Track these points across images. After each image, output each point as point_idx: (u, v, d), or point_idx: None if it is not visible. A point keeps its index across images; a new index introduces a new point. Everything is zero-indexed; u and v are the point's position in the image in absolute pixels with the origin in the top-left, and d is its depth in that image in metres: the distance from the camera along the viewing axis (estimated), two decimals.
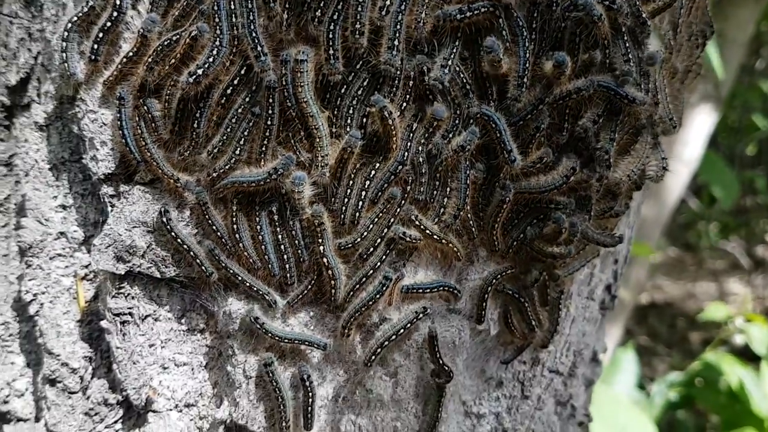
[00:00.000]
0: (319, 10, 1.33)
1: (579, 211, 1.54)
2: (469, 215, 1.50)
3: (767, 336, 4.64)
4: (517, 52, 1.38)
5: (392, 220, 1.44)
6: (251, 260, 1.44)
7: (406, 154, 1.41)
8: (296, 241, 1.44)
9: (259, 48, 1.32)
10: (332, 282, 1.45)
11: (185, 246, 1.42)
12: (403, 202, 1.44)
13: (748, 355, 5.79)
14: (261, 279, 1.46)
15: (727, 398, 4.44)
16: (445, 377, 1.54)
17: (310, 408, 1.48)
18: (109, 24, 1.37)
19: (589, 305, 1.90)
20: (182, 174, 1.42)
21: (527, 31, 1.38)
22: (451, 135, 1.42)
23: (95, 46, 1.38)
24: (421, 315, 1.49)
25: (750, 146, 8.13)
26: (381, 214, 1.44)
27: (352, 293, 1.46)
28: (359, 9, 1.32)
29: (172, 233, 1.42)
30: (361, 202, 1.42)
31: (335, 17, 1.33)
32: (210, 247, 1.43)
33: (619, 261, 1.98)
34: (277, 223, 1.43)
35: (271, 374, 1.45)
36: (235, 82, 1.36)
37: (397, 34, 1.33)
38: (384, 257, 1.46)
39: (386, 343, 1.47)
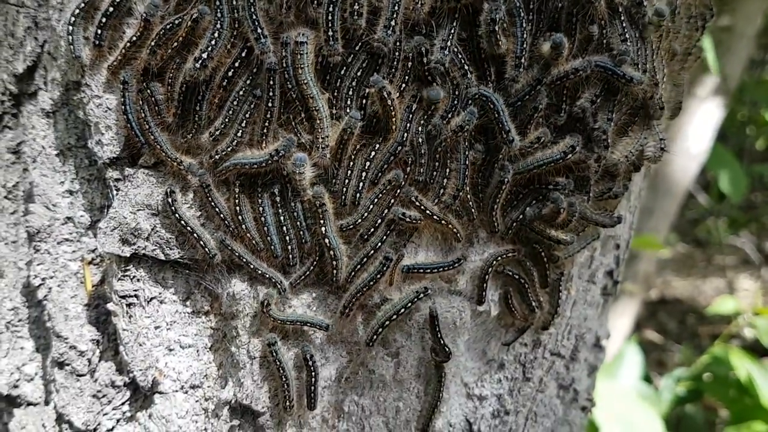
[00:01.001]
0: None
1: (578, 191, 1.55)
2: (468, 196, 1.51)
3: None
4: (515, 33, 1.39)
5: (392, 200, 1.46)
6: (254, 242, 1.46)
7: (405, 135, 1.42)
8: (298, 223, 1.46)
9: (259, 30, 1.34)
10: (333, 263, 1.47)
11: (189, 228, 1.44)
12: (403, 182, 1.46)
13: (758, 350, 5.76)
14: (264, 260, 1.48)
15: (736, 392, 4.42)
16: (443, 356, 1.55)
17: (313, 388, 1.50)
18: (111, 9, 1.39)
19: (590, 288, 1.91)
20: (185, 157, 1.45)
21: (524, 11, 1.40)
22: (450, 115, 1.44)
23: (98, 31, 1.41)
24: (421, 295, 1.51)
25: (759, 140, 8.08)
26: (381, 195, 1.45)
27: (353, 274, 1.48)
28: None
29: (176, 215, 1.45)
30: (361, 183, 1.44)
31: None
32: (221, 238, 1.46)
33: (621, 246, 1.99)
34: (279, 205, 1.45)
35: (274, 354, 1.47)
36: (236, 64, 1.38)
37: (395, 15, 1.34)
38: (384, 238, 1.48)
39: (387, 323, 1.49)
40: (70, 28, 1.42)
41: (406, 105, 1.42)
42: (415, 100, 1.42)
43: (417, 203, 1.47)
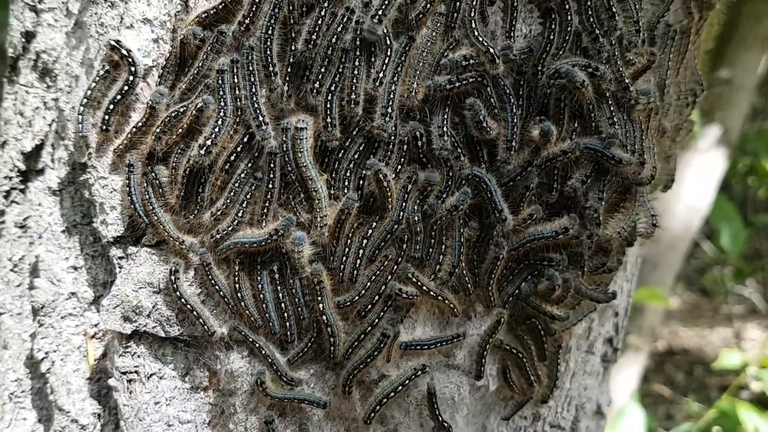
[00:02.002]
0: (318, 82, 1.41)
1: (572, 266, 1.58)
2: (464, 272, 1.54)
3: None
4: (506, 118, 1.45)
5: (389, 277, 1.49)
6: (253, 318, 1.49)
7: (401, 214, 1.46)
8: (296, 299, 1.49)
9: (260, 118, 1.40)
10: (331, 339, 1.49)
11: (189, 306, 1.47)
12: (399, 259, 1.49)
13: (766, 402, 5.67)
14: (263, 337, 1.51)
15: None
16: None
17: None
18: (119, 97, 1.45)
19: (588, 359, 1.92)
20: (187, 236, 1.49)
21: (514, 97, 1.45)
22: (444, 195, 1.48)
23: (106, 117, 1.47)
24: (420, 372, 1.52)
25: (762, 189, 8.11)
26: (378, 272, 1.48)
27: (350, 350, 1.50)
28: (354, 81, 1.40)
29: (177, 292, 1.48)
30: (359, 260, 1.47)
31: (332, 88, 1.41)
32: (234, 326, 1.49)
33: (620, 314, 2.00)
34: (277, 282, 1.49)
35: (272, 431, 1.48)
36: (239, 149, 1.43)
37: (390, 103, 1.40)
38: (382, 314, 1.50)
39: (385, 400, 1.50)
40: (80, 114, 1.48)
41: (402, 185, 1.46)
42: (410, 180, 1.46)
43: (414, 279, 1.50)
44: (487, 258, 1.53)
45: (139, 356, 1.54)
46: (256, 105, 1.40)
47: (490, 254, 1.52)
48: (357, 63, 1.41)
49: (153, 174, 1.46)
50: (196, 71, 1.42)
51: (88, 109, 1.49)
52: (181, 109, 1.43)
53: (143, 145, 1.47)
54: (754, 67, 5.20)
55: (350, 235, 1.47)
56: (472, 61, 1.41)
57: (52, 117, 1.67)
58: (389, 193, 1.44)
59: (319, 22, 1.38)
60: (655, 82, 1.60)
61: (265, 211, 1.46)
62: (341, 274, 1.47)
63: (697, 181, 5.29)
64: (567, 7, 1.43)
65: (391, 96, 1.40)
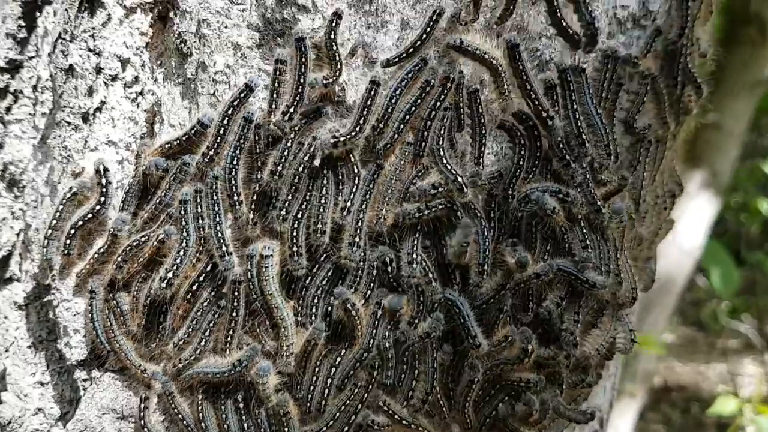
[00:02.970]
0: (284, 210, 1.38)
1: (550, 385, 1.54)
2: (438, 396, 1.50)
3: None
4: (477, 241, 1.41)
5: (359, 406, 1.44)
6: None
7: (371, 341, 1.42)
8: (262, 430, 1.44)
9: (224, 248, 1.37)
10: None
11: None
12: (370, 387, 1.45)
13: None
14: None
15: None
16: None
17: None
18: (80, 223, 1.42)
19: None
20: (150, 364, 1.45)
21: (485, 221, 1.42)
22: (416, 321, 1.44)
23: (67, 241, 1.44)
24: None
25: (754, 226, 8.10)
26: (348, 401, 1.44)
27: None
28: (321, 210, 1.37)
29: (143, 421, 1.44)
30: (327, 390, 1.43)
31: (299, 216, 1.38)
32: None
33: (603, 417, 1.96)
34: (242, 412, 1.44)
35: None
36: (201, 278, 1.40)
37: (358, 232, 1.37)
38: None
39: None
40: (46, 238, 1.45)
41: (371, 312, 1.43)
42: (380, 306, 1.43)
43: (385, 408, 1.46)
44: (462, 380, 1.49)
45: None
46: (219, 235, 1.37)
47: (465, 377, 1.48)
48: (324, 191, 1.38)
49: (115, 301, 1.43)
50: (158, 201, 1.40)
51: (54, 232, 1.45)
52: (143, 239, 1.40)
53: (105, 272, 1.43)
54: (744, 113, 5.22)
55: (318, 363, 1.43)
56: (440, 189, 1.38)
57: (19, 227, 1.63)
58: (358, 322, 1.40)
59: (286, 153, 1.35)
60: (629, 195, 1.58)
61: (230, 339, 1.42)
62: (308, 404, 1.43)
63: (687, 223, 5.28)
64: (536, 133, 1.41)
65: (359, 225, 1.37)
